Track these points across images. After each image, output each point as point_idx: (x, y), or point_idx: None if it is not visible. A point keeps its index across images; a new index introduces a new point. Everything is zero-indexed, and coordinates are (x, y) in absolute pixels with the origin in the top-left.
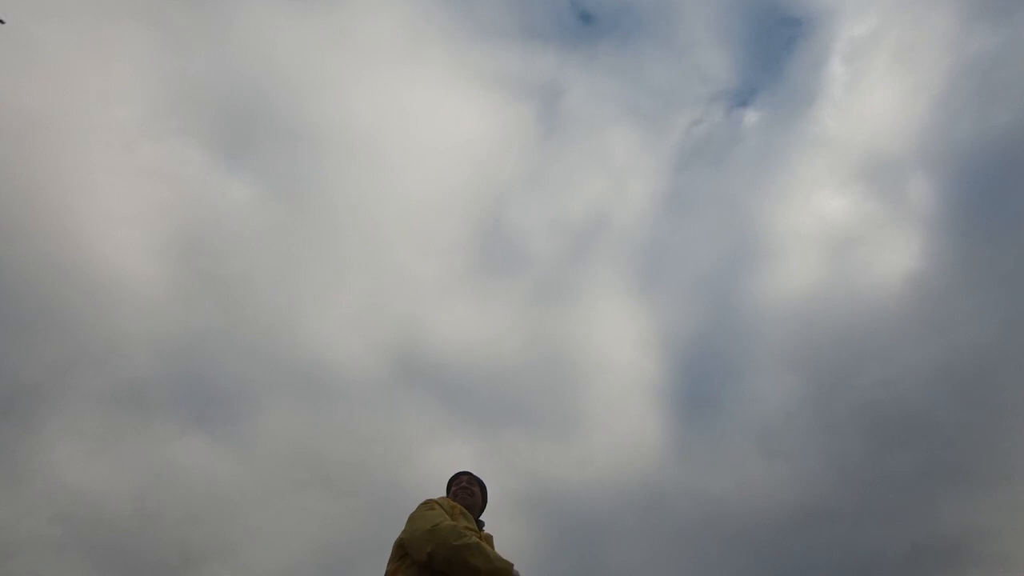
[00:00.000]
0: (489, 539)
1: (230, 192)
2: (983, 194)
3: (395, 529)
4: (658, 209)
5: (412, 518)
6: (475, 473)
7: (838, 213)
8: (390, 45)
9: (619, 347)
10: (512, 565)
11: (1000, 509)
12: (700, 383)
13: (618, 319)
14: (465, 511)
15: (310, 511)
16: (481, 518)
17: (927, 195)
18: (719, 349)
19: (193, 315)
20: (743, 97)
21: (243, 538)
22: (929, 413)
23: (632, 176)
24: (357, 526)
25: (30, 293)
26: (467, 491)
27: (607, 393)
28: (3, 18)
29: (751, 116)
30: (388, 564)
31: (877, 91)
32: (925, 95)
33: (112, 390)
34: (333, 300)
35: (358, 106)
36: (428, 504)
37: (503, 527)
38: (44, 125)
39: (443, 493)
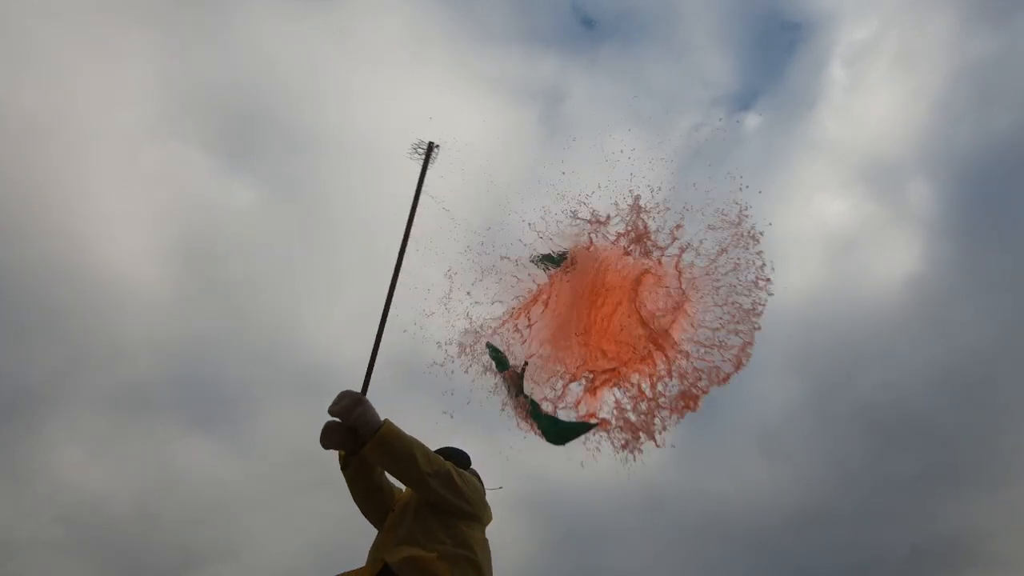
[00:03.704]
0: None
1: (232, 195)
2: (983, 197)
3: None
4: (659, 212)
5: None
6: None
7: (838, 216)
8: (392, 49)
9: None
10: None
11: (1000, 510)
12: None
13: None
14: None
15: (311, 512)
16: None
17: (927, 198)
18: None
19: (195, 317)
20: (744, 100)
21: (244, 539)
22: (929, 415)
23: (633, 178)
24: (358, 527)
25: (32, 295)
26: None
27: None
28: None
29: (752, 119)
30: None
31: (877, 94)
32: (925, 98)
33: (114, 392)
34: (334, 302)
35: (360, 109)
36: None
37: (505, 528)
38: (46, 128)
39: None
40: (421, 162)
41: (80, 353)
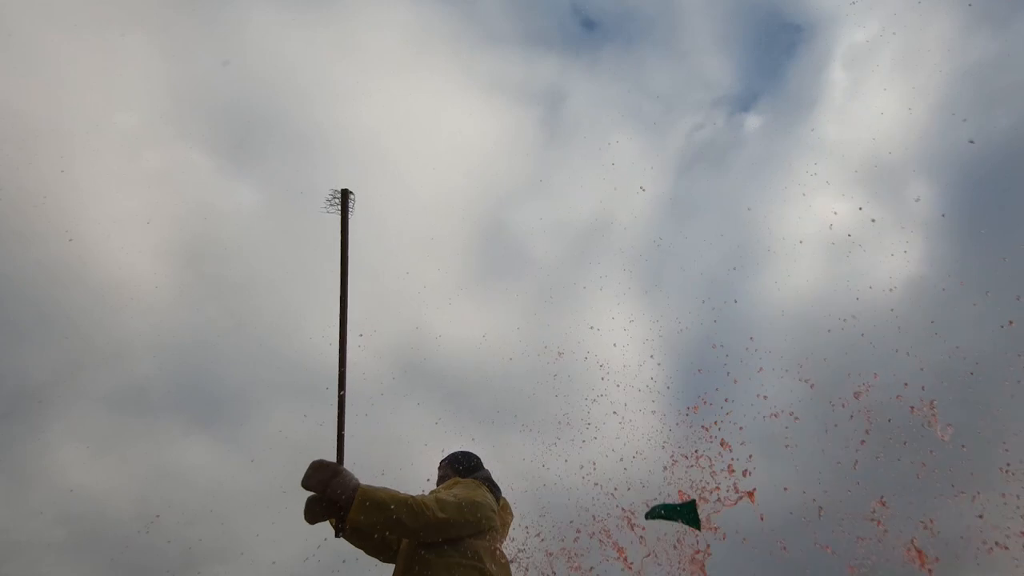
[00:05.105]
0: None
1: (235, 197)
2: (983, 199)
3: None
4: (660, 213)
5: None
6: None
7: (838, 217)
8: (394, 50)
9: (621, 349)
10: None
11: (1000, 511)
12: (702, 385)
13: (620, 321)
14: None
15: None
16: None
17: (927, 200)
18: (721, 351)
19: (197, 318)
20: (744, 102)
21: (246, 539)
22: (929, 415)
23: (634, 180)
24: None
25: (35, 296)
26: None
27: (609, 395)
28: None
29: (752, 121)
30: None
31: (877, 96)
32: (925, 100)
33: (115, 393)
34: (336, 304)
35: (363, 112)
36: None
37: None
38: (49, 130)
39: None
40: (339, 213)
41: (81, 354)
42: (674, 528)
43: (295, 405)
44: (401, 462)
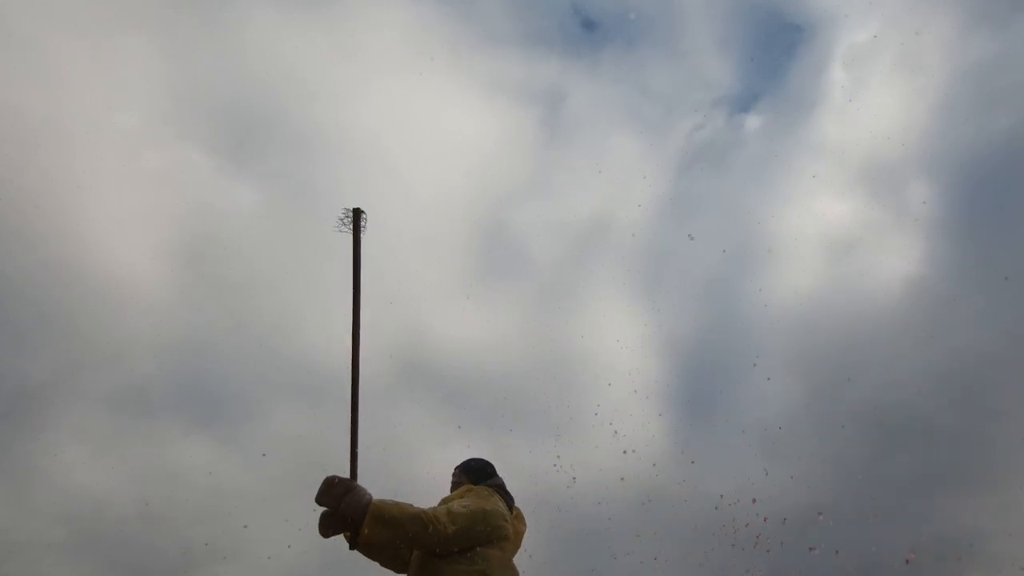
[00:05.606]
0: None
1: (235, 197)
2: (984, 199)
3: None
4: (660, 213)
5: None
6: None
7: (839, 218)
8: (394, 51)
9: (621, 349)
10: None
11: (1000, 511)
12: (701, 385)
13: (620, 321)
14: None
15: (313, 513)
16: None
17: (928, 200)
18: (720, 352)
19: (198, 318)
20: (744, 102)
21: (246, 539)
22: (930, 416)
23: (634, 180)
24: None
25: (35, 297)
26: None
27: (609, 395)
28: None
29: (752, 121)
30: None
31: (878, 97)
32: (925, 101)
33: (116, 393)
34: (337, 303)
35: (363, 113)
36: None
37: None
38: (50, 131)
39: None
40: (351, 233)
41: (81, 355)
42: None
43: (295, 405)
44: (401, 461)
